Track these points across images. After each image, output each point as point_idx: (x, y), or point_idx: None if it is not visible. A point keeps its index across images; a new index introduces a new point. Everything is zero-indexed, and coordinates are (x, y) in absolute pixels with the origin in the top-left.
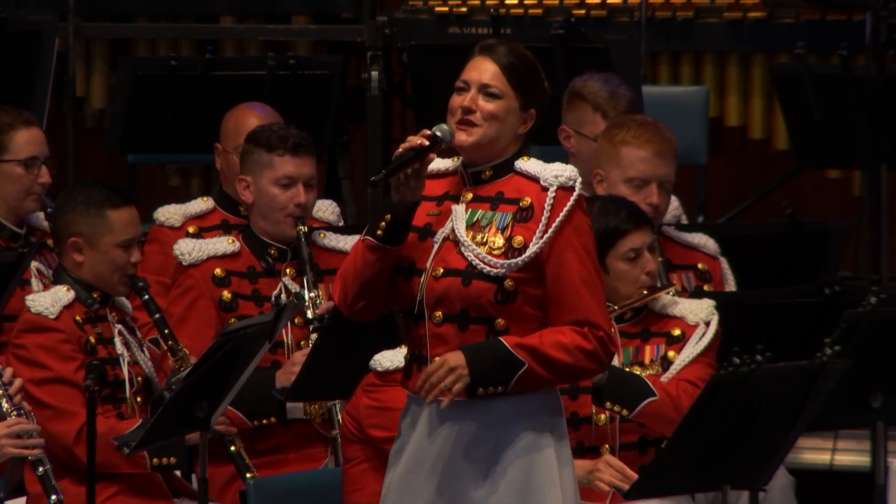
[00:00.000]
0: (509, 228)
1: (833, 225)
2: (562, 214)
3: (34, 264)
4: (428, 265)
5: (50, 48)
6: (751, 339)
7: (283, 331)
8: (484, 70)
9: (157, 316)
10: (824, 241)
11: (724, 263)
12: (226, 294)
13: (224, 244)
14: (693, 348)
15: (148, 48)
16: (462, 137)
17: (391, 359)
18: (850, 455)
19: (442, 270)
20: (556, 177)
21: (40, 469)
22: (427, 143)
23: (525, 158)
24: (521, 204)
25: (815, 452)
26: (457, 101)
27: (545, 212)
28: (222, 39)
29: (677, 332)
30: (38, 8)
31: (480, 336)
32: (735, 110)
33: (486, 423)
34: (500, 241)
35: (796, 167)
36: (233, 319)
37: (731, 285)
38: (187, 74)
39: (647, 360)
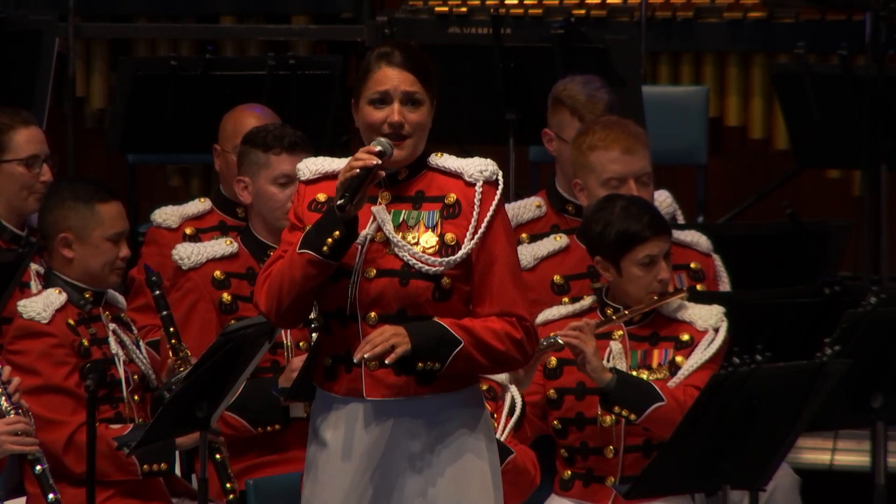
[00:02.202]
0: (439, 226)
1: (833, 225)
2: (491, 209)
3: (34, 266)
4: (357, 266)
5: (50, 48)
6: (751, 339)
7: (283, 331)
8: (399, 79)
9: (165, 313)
10: (824, 241)
11: (717, 260)
12: (226, 296)
13: (222, 246)
14: (701, 354)
15: (148, 48)
16: (396, 153)
17: None
18: (850, 455)
19: (375, 271)
20: (482, 172)
21: (38, 468)
22: (379, 160)
23: (438, 154)
24: (445, 201)
25: (815, 452)
26: (379, 115)
27: (475, 207)
28: (222, 39)
29: (686, 337)
30: (38, 8)
31: None
32: (735, 110)
33: (418, 416)
34: (432, 239)
35: (796, 167)
36: (233, 321)
37: (724, 282)
38: (187, 74)
39: (654, 364)
